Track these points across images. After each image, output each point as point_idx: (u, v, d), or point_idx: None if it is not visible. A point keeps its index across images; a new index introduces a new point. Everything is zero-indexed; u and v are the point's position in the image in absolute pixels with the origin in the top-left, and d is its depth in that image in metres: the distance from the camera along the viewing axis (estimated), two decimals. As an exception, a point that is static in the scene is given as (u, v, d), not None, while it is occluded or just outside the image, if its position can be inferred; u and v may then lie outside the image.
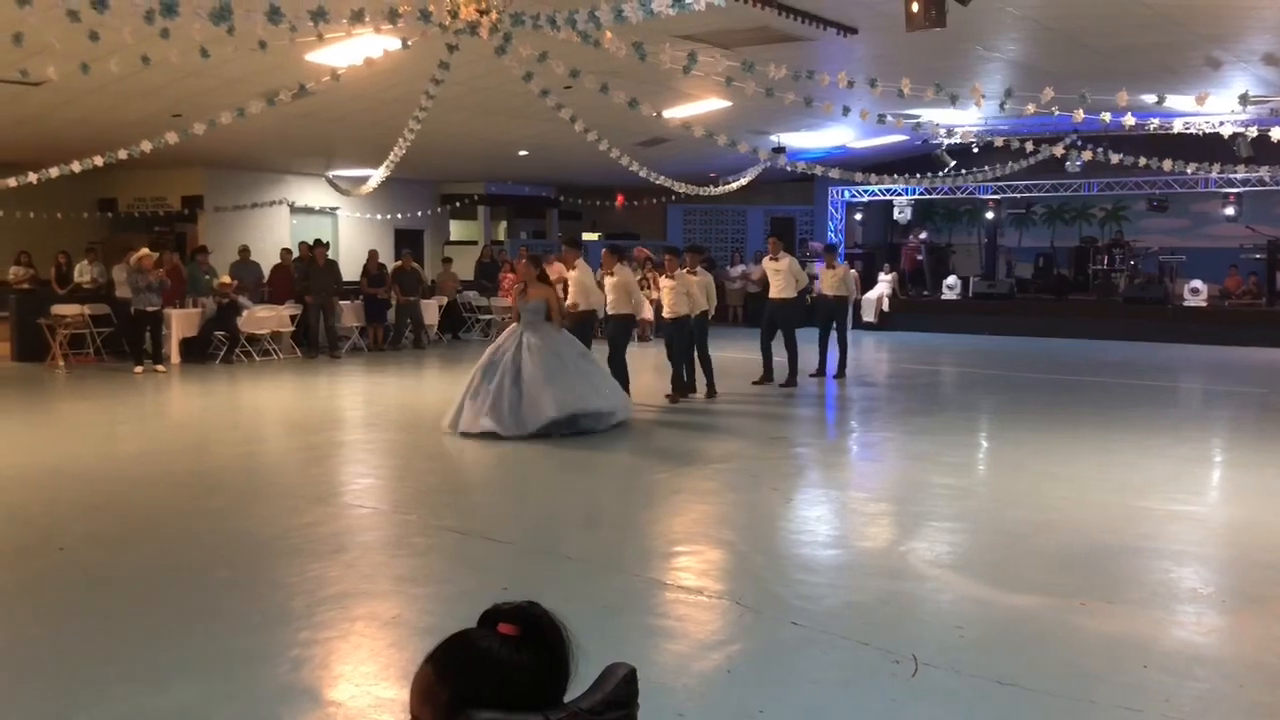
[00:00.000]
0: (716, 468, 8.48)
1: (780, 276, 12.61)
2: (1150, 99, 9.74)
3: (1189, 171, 13.63)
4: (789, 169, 16.32)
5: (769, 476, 8.11)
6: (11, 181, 11.14)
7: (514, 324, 9.78)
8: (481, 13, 6.94)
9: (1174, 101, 10.94)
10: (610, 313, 11.20)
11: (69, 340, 15.13)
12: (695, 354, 11.79)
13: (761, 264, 13.16)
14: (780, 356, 12.68)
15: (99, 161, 10.30)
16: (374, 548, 6.11)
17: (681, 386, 11.57)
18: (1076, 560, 5.71)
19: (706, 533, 6.60)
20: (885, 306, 21.61)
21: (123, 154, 10.04)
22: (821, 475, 8.40)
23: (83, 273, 16.37)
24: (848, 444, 9.83)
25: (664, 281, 11.71)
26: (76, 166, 10.48)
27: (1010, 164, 17.27)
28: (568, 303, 10.55)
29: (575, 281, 10.97)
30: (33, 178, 10.74)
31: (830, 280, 13.61)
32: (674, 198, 19.41)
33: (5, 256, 17.19)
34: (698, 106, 14.44)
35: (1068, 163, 17.07)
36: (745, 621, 4.80)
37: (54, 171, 10.57)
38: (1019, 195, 21.50)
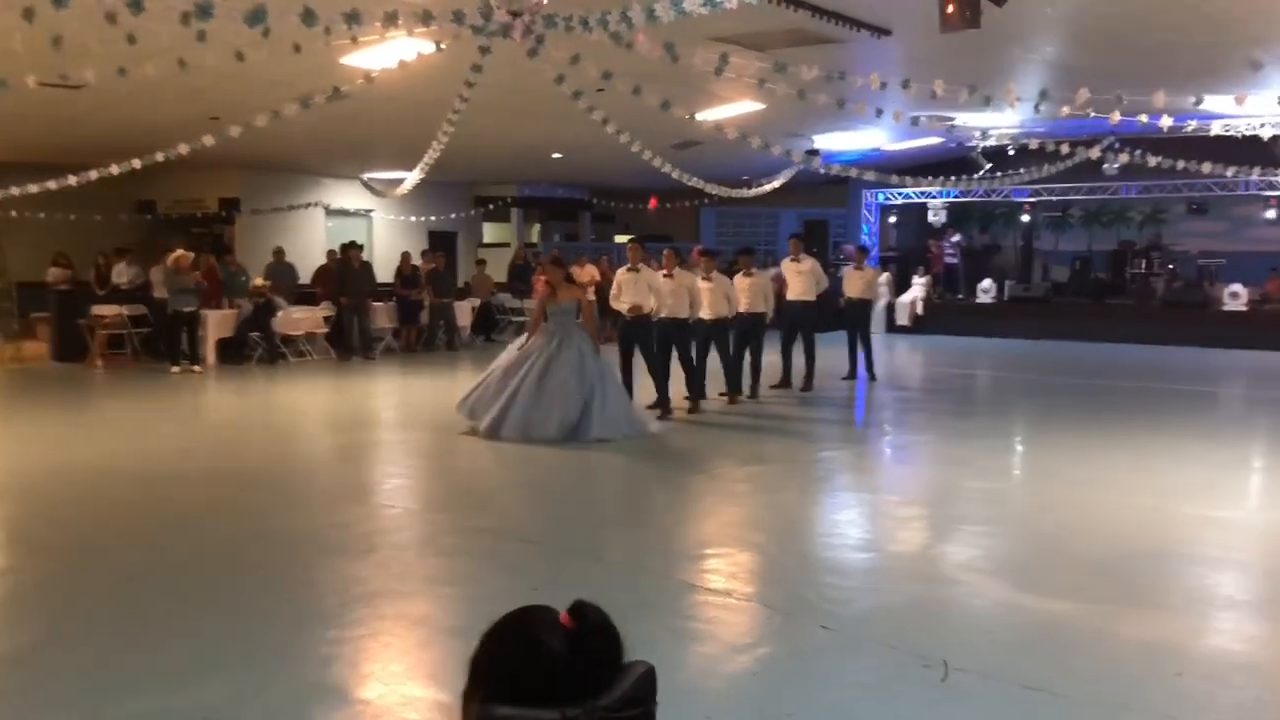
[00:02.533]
0: (746, 470, 8.45)
1: (801, 279, 12.47)
2: (1189, 100, 9.62)
3: (1229, 174, 13.47)
4: (823, 171, 16.24)
5: (799, 479, 8.07)
6: (52, 184, 11.30)
7: (539, 328, 9.62)
8: (514, 14, 6.96)
9: (1213, 103, 10.78)
10: (669, 315, 10.67)
11: (107, 340, 15.33)
12: (748, 354, 11.70)
13: (782, 266, 12.92)
14: (799, 359, 12.58)
15: (137, 164, 10.43)
16: (404, 547, 6.13)
17: (730, 388, 11.48)
18: (1111, 565, 5.63)
19: (735, 535, 6.57)
20: (920, 310, 21.48)
21: (160, 156, 10.17)
22: (852, 478, 8.35)
23: (120, 274, 16.58)
24: (880, 447, 9.77)
25: (702, 283, 11.41)
26: (115, 169, 10.62)
27: (1046, 166, 17.10)
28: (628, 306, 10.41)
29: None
30: (72, 180, 10.89)
31: (858, 283, 13.52)
32: (707, 200, 19.38)
33: (46, 256, 17.45)
34: (731, 109, 14.41)
35: (1105, 165, 16.90)
36: (774, 624, 4.78)
37: (93, 174, 10.71)
38: (1055, 198, 21.29)
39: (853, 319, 13.58)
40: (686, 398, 10.93)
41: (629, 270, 10.53)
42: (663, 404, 10.56)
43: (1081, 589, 5.23)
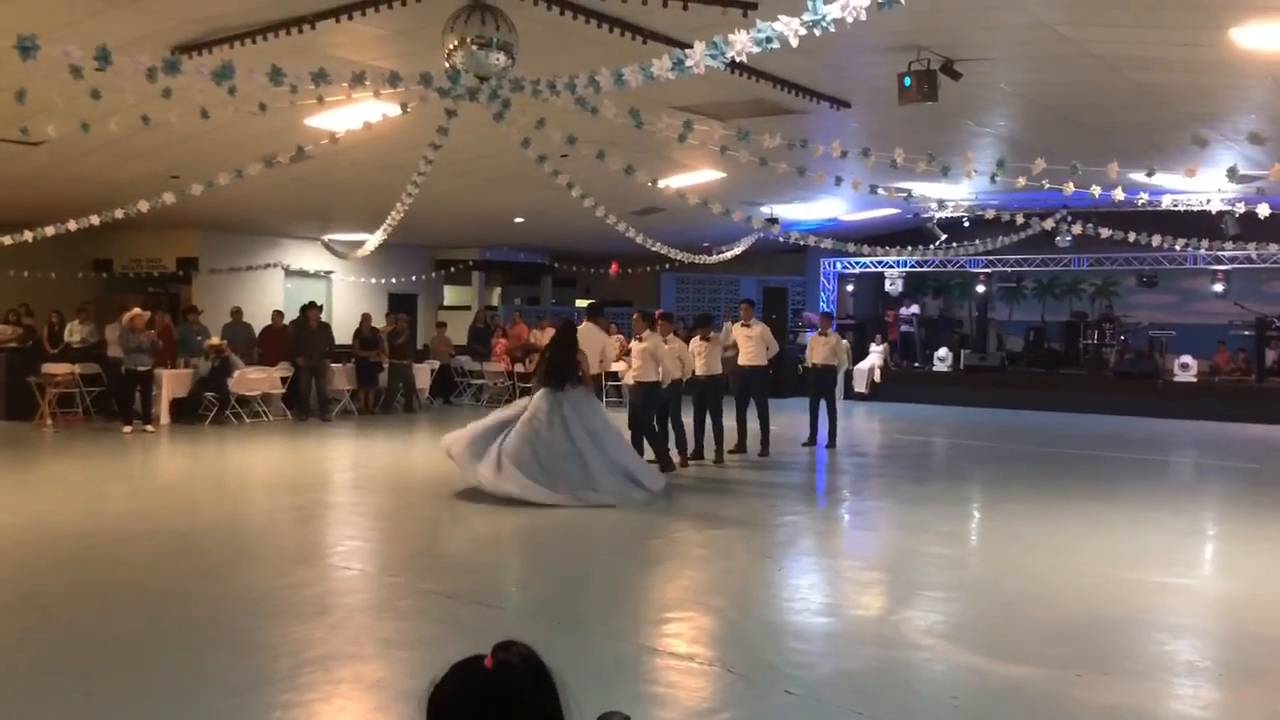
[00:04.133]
0: (708, 534, 8.41)
1: (752, 343, 12.56)
2: (1141, 174, 9.88)
3: (1178, 247, 13.77)
4: (782, 239, 16.45)
5: (761, 544, 8.04)
6: (7, 240, 11.14)
7: (539, 387, 9.79)
8: (481, 79, 7.03)
9: (1162, 178, 11.08)
10: (639, 380, 11.26)
11: (58, 399, 15.06)
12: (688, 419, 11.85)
13: (732, 330, 12.97)
14: (754, 424, 12.63)
15: (95, 221, 10.33)
16: (359, 610, 6.01)
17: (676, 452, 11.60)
18: (1071, 631, 5.64)
19: (697, 599, 6.51)
20: (876, 377, 21.66)
21: (119, 214, 10.06)
22: (813, 543, 8.33)
23: (74, 332, 16.33)
24: (840, 512, 9.77)
25: (634, 345, 11.61)
26: (73, 225, 10.49)
27: (1001, 238, 17.43)
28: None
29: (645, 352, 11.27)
30: (28, 236, 10.75)
31: (822, 349, 13.62)
32: (668, 266, 19.53)
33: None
34: (693, 177, 14.60)
35: (1058, 237, 17.26)
36: (737, 689, 4.72)
37: (50, 230, 10.58)
38: (1009, 269, 21.67)
39: (817, 385, 13.64)
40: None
41: (659, 339, 11.31)
42: (669, 460, 11.18)
43: (1042, 655, 5.23)
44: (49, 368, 15.15)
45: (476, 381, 19.79)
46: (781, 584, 6.95)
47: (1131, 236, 12.93)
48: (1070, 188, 7.82)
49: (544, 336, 19.10)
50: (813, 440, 13.48)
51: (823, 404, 13.58)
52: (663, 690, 4.71)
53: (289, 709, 4.37)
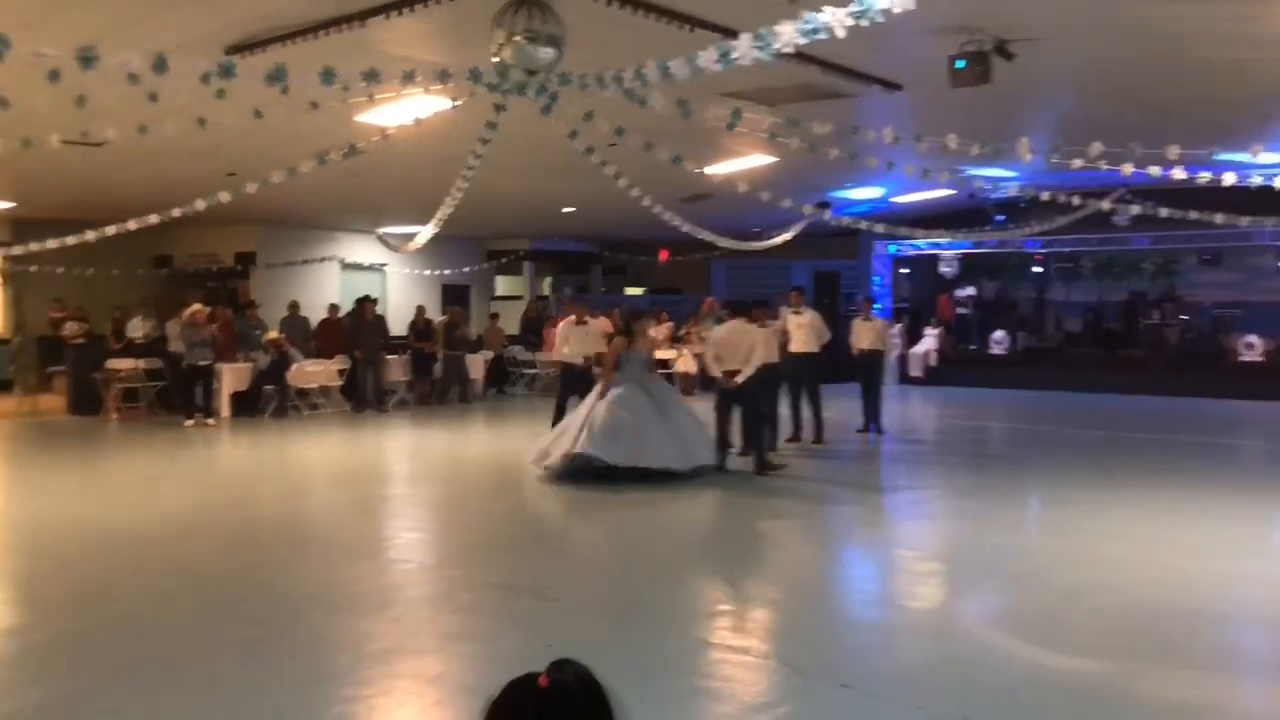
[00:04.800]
0: (763, 524, 8.39)
1: (802, 330, 12.44)
2: (1203, 152, 9.63)
3: (1242, 225, 13.43)
4: (833, 223, 16.30)
5: (816, 534, 8.01)
6: (71, 239, 11.40)
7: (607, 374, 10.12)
8: (530, 73, 7.03)
9: (1227, 157, 10.81)
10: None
11: (122, 394, 15.38)
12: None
13: (782, 318, 12.79)
14: (808, 412, 12.52)
15: (155, 220, 10.50)
16: (418, 604, 6.08)
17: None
18: (1135, 623, 5.55)
19: (753, 591, 6.50)
20: (932, 361, 21.44)
21: (177, 212, 10.22)
22: (869, 533, 8.27)
23: (137, 328, 16.68)
24: (895, 501, 9.69)
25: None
26: (133, 224, 10.69)
27: (1057, 218, 17.13)
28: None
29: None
30: (90, 236, 10.97)
31: (867, 334, 13.48)
32: (718, 253, 19.45)
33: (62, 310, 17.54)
34: (742, 162, 14.50)
35: (1116, 217, 16.92)
36: (793, 683, 4.70)
37: (110, 230, 10.79)
38: (1066, 249, 21.30)
39: (864, 371, 13.52)
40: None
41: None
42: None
43: (1106, 647, 5.14)
44: (113, 363, 15.49)
45: (529, 371, 19.88)
46: (837, 575, 6.91)
47: (1193, 214, 12.63)
48: (1129, 168, 7.65)
49: (599, 324, 19.18)
50: (867, 427, 13.37)
51: (871, 389, 13.46)
52: (718, 684, 4.70)
53: (352, 703, 4.43)
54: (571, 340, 12.26)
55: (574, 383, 11.88)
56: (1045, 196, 11.79)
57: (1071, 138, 8.31)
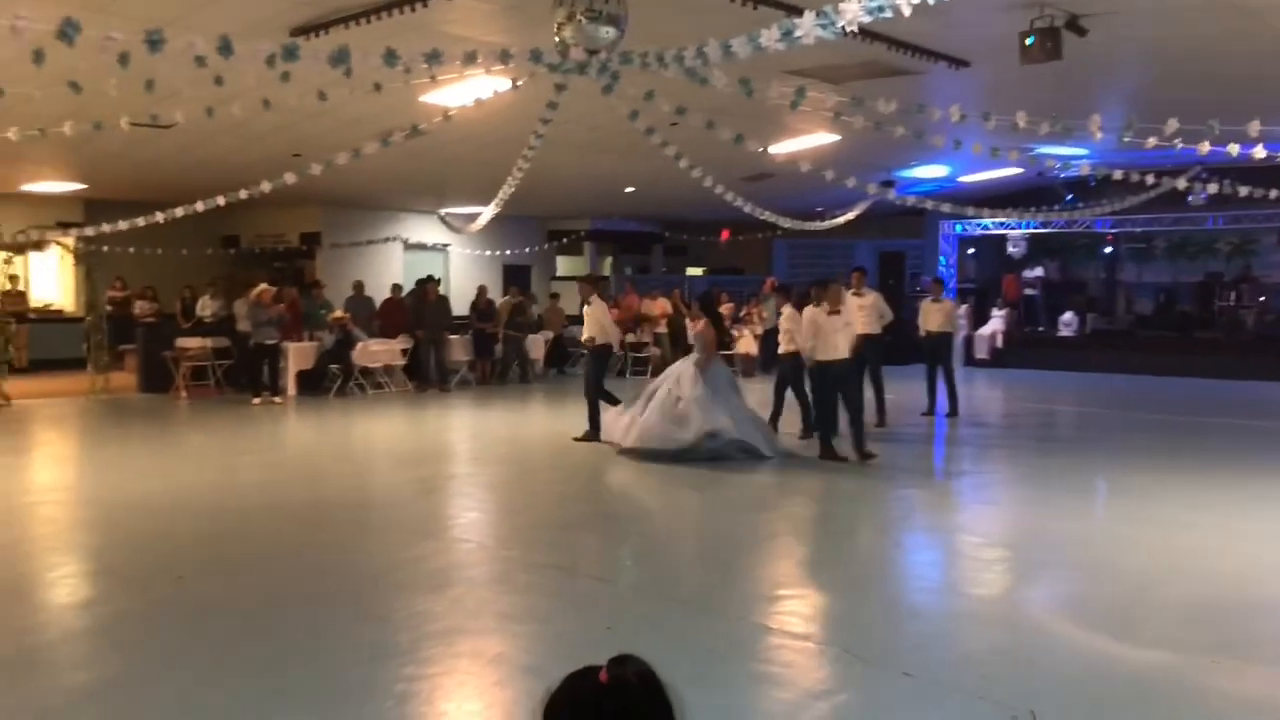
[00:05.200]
0: (824, 508, 8.32)
1: (864, 312, 12.24)
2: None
3: (1324, 203, 12.98)
4: (898, 202, 16.07)
5: (878, 518, 7.92)
6: (141, 220, 11.64)
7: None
8: (591, 52, 7.00)
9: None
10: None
11: (191, 372, 15.70)
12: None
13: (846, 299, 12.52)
14: (869, 394, 12.32)
15: (221, 201, 10.67)
16: (479, 584, 6.12)
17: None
18: (1208, 614, 5.40)
19: (813, 576, 6.45)
20: (999, 343, 21.10)
21: (244, 194, 10.38)
22: (932, 518, 8.15)
23: (205, 306, 16.99)
24: (959, 485, 9.55)
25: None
26: (201, 206, 10.88)
27: (1129, 197, 16.70)
28: (583, 337, 11.88)
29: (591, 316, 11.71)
30: (160, 217, 11.19)
31: (936, 316, 13.28)
32: (780, 232, 19.29)
33: (133, 290, 17.94)
34: (805, 141, 14.34)
35: (1190, 196, 16.45)
36: (854, 671, 4.65)
37: (179, 211, 10.99)
38: (1138, 229, 20.78)
39: (932, 353, 13.32)
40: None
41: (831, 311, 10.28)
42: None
43: (1176, 639, 5.02)
44: (182, 342, 15.82)
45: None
46: (899, 560, 6.83)
47: (1273, 193, 12.22)
48: (1206, 147, 7.41)
49: (655, 306, 19.17)
50: (931, 409, 13.20)
51: (940, 372, 13.27)
52: (779, 670, 4.67)
53: (413, 682, 4.47)
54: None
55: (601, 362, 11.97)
56: (1117, 175, 11.48)
57: (1144, 114, 8.08)
